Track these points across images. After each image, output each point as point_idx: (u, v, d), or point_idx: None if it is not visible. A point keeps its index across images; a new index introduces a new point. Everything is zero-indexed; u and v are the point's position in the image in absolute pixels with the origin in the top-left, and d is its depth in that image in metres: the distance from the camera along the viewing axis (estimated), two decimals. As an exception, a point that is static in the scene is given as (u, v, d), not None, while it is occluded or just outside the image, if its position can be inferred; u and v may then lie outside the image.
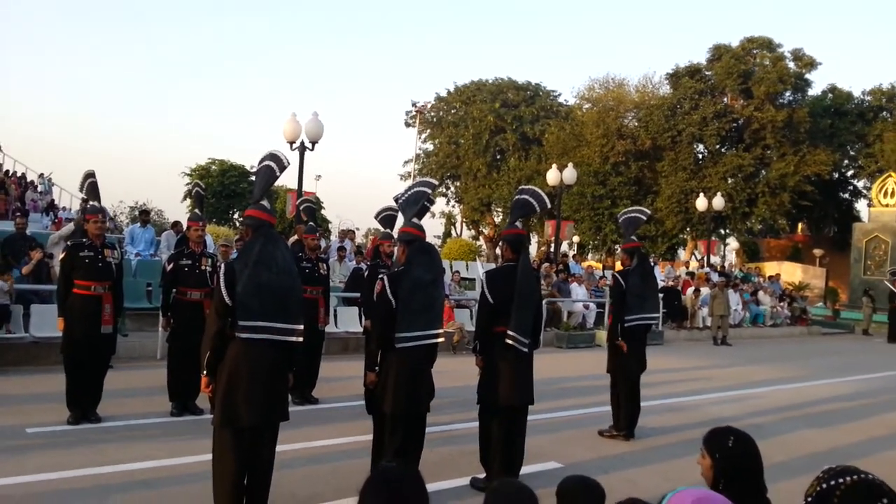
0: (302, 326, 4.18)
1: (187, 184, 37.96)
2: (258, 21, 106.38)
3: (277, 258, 4.12)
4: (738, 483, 2.36)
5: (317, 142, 13.88)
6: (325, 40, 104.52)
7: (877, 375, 12.33)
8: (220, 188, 37.27)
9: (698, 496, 1.93)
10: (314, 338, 7.37)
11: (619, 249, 10.02)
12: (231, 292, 3.97)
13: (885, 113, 33.65)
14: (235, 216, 36.55)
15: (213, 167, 38.94)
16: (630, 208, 7.76)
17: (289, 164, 4.50)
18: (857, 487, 1.68)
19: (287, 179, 33.54)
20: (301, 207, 8.94)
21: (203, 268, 6.84)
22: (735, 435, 2.49)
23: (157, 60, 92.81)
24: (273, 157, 4.43)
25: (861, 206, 35.06)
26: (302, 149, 13.86)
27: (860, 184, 35.52)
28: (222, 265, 4.23)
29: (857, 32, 79.85)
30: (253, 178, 6.90)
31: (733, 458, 2.42)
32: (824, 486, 1.72)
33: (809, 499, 1.74)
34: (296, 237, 9.55)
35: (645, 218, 7.44)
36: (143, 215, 15.09)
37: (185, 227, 9.14)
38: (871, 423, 8.18)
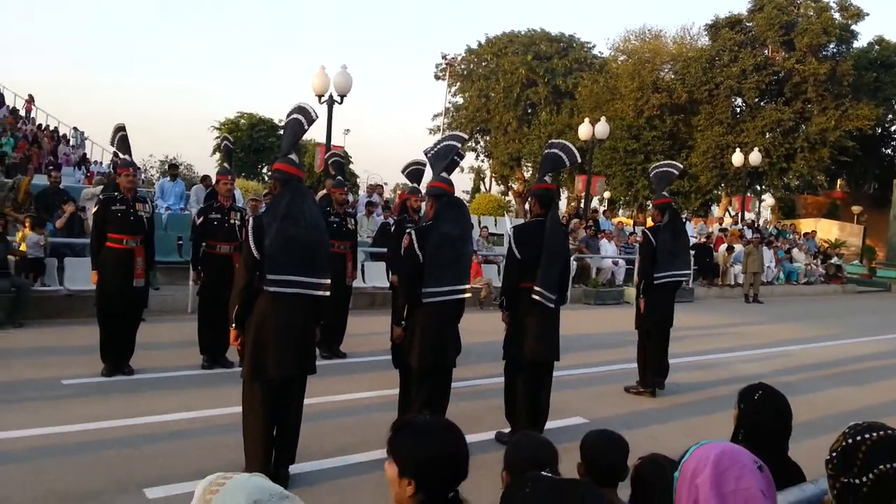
0: (329, 281, 4.23)
1: (216, 138, 38.05)
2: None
3: (305, 212, 4.14)
4: (756, 437, 2.33)
5: (345, 95, 13.80)
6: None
7: (912, 335, 12.11)
8: (248, 142, 37.37)
9: (722, 449, 1.91)
10: (342, 292, 7.42)
11: (651, 205, 9.86)
12: (259, 246, 4.01)
13: (933, 65, 32.29)
14: (264, 170, 36.72)
15: (242, 121, 39.00)
16: (662, 162, 7.60)
17: (317, 117, 4.49)
18: (882, 443, 1.65)
19: (315, 133, 33.57)
20: (329, 161, 8.93)
21: (232, 222, 6.90)
22: (764, 390, 2.44)
23: (186, 15, 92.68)
24: (301, 110, 4.41)
25: (904, 161, 33.99)
26: (330, 102, 13.80)
27: (904, 139, 34.37)
28: (251, 219, 4.25)
29: (907, -21, 76.20)
30: (281, 131, 6.90)
31: (756, 412, 2.39)
32: (849, 441, 1.69)
33: (834, 454, 1.71)
34: (324, 191, 9.57)
35: (677, 172, 7.30)
36: (172, 169, 15.12)
37: (214, 181, 9.19)
38: (905, 383, 8.06)
